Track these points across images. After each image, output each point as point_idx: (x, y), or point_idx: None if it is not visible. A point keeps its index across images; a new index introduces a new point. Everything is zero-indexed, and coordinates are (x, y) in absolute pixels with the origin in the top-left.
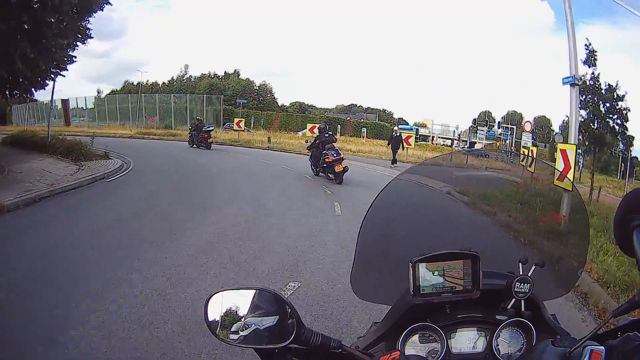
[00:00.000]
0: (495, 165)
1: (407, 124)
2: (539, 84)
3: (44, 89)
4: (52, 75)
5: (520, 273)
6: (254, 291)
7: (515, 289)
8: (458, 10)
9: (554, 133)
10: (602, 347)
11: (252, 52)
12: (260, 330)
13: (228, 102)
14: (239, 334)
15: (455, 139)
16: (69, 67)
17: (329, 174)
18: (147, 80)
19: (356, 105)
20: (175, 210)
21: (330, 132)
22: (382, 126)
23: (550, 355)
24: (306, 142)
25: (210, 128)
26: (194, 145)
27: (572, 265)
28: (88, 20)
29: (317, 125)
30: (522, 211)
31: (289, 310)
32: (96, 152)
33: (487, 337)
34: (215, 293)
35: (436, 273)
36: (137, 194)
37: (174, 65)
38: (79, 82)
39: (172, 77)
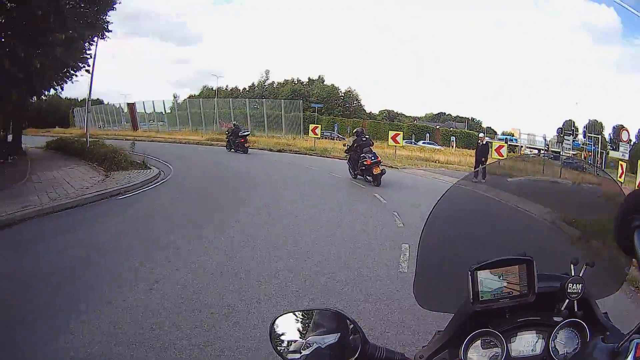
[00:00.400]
0: (580, 178)
1: (496, 133)
2: (614, 92)
3: (54, 90)
4: (66, 75)
5: (573, 274)
6: (315, 311)
7: (568, 291)
8: (537, 21)
9: (634, 143)
10: None
11: (339, 59)
12: (322, 349)
13: (313, 109)
14: (300, 353)
15: (544, 149)
16: (148, 71)
17: (367, 177)
18: (227, 86)
19: (445, 113)
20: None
21: (368, 136)
22: (471, 135)
23: (600, 352)
24: (344, 145)
25: (246, 133)
26: (232, 150)
27: (619, 262)
28: (106, 14)
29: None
30: None
31: (351, 326)
32: (135, 160)
33: (545, 339)
34: (280, 315)
35: (494, 279)
36: (139, 224)
37: (254, 71)
38: (161, 86)
39: (253, 83)
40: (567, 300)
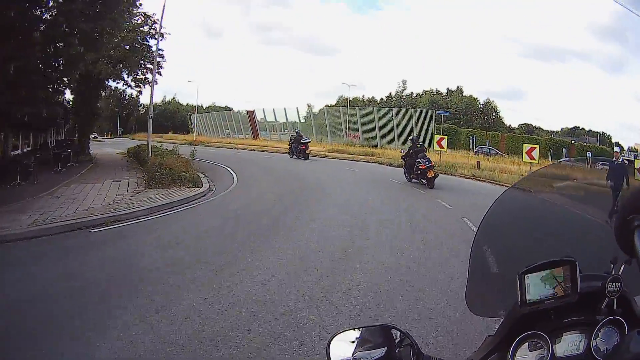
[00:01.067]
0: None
1: (622, 148)
2: None
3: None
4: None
5: (612, 273)
6: (362, 329)
7: (607, 289)
8: None
9: None
10: None
11: (478, 69)
12: None
13: (452, 120)
14: None
15: None
16: (286, 80)
17: (422, 180)
18: (363, 96)
19: (579, 127)
20: None
21: (422, 143)
22: (605, 151)
23: (636, 344)
24: (401, 152)
25: (308, 140)
26: (294, 156)
27: None
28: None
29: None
30: None
31: (399, 339)
32: (190, 173)
33: (587, 338)
34: (336, 335)
35: (540, 282)
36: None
37: (392, 81)
38: (298, 95)
39: (390, 93)
40: (607, 299)
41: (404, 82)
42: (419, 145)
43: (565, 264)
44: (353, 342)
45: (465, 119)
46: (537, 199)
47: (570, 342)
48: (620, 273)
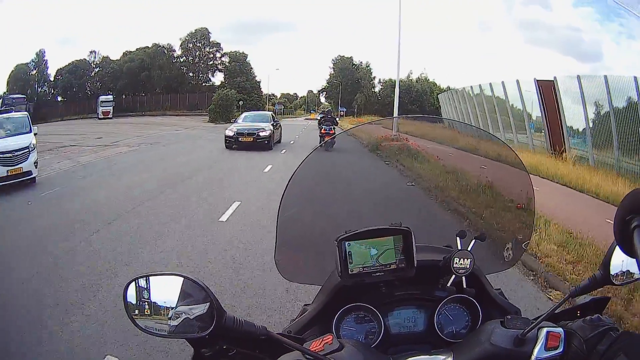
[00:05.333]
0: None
1: None
2: None
3: None
4: None
5: (459, 247)
6: (181, 279)
7: (454, 265)
8: None
9: None
10: (560, 329)
11: None
12: (191, 320)
13: None
14: (168, 324)
15: None
16: None
17: (320, 142)
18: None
19: None
20: None
21: (331, 116)
22: None
23: (500, 338)
24: (316, 118)
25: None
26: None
27: (517, 238)
28: None
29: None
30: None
31: (211, 297)
32: None
33: (428, 315)
34: (139, 277)
35: (365, 251)
36: None
37: None
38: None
39: None
40: (454, 276)
41: None
42: (329, 117)
43: (397, 232)
44: (163, 290)
45: None
46: (354, 160)
47: (405, 318)
48: (469, 249)
